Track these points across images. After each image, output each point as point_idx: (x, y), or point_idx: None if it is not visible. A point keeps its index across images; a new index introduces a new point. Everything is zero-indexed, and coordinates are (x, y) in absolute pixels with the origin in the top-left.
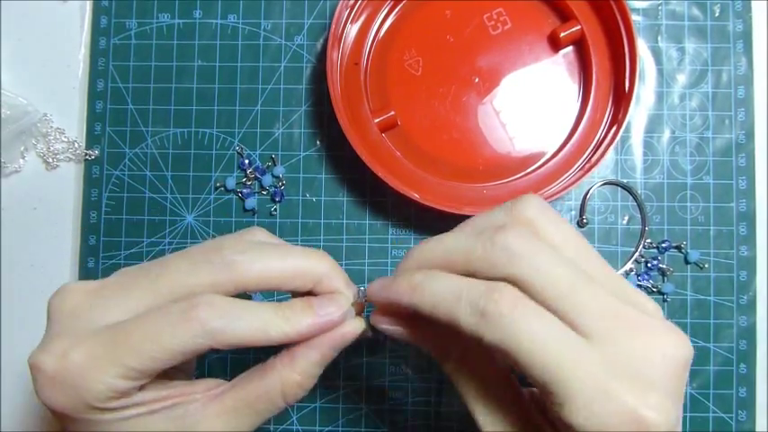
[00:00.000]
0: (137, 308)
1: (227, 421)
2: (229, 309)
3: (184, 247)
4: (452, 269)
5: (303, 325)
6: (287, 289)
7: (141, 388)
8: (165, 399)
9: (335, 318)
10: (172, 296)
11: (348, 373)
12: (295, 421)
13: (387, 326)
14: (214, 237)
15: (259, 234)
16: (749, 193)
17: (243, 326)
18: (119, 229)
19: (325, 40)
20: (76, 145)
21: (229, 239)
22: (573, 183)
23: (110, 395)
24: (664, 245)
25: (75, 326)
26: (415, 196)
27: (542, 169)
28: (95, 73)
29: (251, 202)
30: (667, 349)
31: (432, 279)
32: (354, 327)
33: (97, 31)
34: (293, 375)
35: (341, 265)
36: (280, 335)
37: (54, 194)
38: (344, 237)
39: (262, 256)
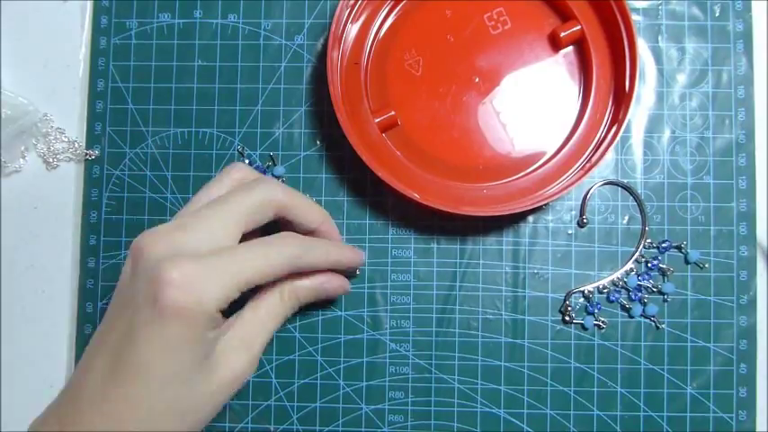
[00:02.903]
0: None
1: (244, 335)
2: (307, 241)
3: None
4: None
5: (349, 255)
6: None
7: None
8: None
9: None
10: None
11: (348, 374)
12: (295, 421)
13: None
14: None
15: (236, 172)
16: (749, 193)
17: (316, 252)
18: (119, 229)
19: (326, 40)
20: (77, 145)
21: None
22: (573, 183)
23: (223, 301)
24: (664, 245)
25: (188, 251)
26: (415, 196)
27: (542, 169)
28: (96, 73)
29: None
30: None
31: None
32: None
33: (97, 31)
34: (285, 283)
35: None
36: (335, 258)
37: (54, 194)
38: (345, 237)
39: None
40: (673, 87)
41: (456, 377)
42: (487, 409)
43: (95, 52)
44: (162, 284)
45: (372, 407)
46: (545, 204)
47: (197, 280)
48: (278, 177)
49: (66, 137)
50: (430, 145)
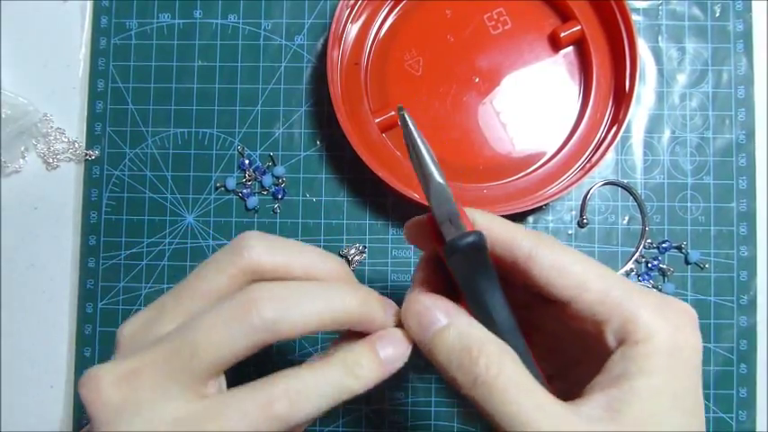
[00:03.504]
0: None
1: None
2: (284, 295)
3: (184, 248)
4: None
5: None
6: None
7: None
8: None
9: (400, 362)
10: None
11: None
12: None
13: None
14: (216, 239)
15: (253, 241)
16: (749, 193)
17: (304, 312)
18: (119, 229)
19: (326, 40)
20: (77, 145)
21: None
22: (573, 183)
23: (177, 414)
24: (664, 245)
25: (133, 346)
26: (415, 196)
27: (542, 169)
28: (96, 73)
29: (253, 201)
30: None
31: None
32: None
33: (97, 31)
34: (351, 358)
35: None
36: (344, 310)
37: (54, 194)
38: (344, 237)
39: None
40: (673, 87)
41: None
42: None
43: (95, 52)
44: (90, 406)
45: (372, 407)
46: (545, 205)
47: (138, 402)
48: (278, 178)
49: (66, 137)
50: (430, 145)
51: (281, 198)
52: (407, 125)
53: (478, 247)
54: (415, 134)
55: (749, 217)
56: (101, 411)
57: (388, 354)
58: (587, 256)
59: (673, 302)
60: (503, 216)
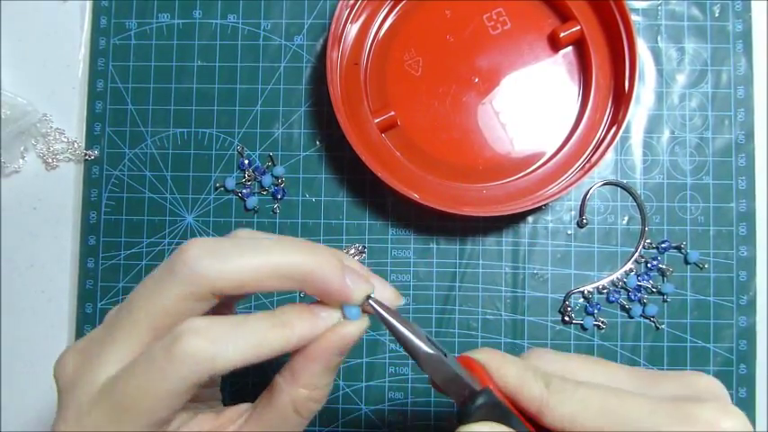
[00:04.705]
0: (126, 355)
1: None
2: (217, 331)
3: None
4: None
5: (303, 329)
6: (270, 290)
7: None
8: None
9: (335, 319)
10: (152, 326)
11: (348, 374)
12: None
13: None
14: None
15: (241, 233)
16: (749, 193)
17: (238, 346)
18: (118, 230)
19: (325, 41)
20: (76, 145)
21: (194, 245)
22: (573, 183)
23: None
24: (663, 245)
25: (75, 398)
26: (415, 196)
27: (542, 169)
28: (95, 73)
29: (252, 201)
30: None
31: None
32: (357, 327)
33: (97, 31)
34: (299, 391)
35: None
36: (281, 343)
37: (54, 194)
38: (344, 237)
39: (230, 255)
40: (672, 88)
41: None
42: None
43: (95, 52)
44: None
45: (372, 407)
46: (544, 205)
47: None
48: (277, 178)
49: (65, 137)
50: (430, 145)
51: (281, 198)
52: (382, 315)
53: (490, 405)
54: (391, 320)
55: (748, 217)
56: None
57: (321, 306)
58: (606, 383)
59: (705, 415)
60: (502, 216)
